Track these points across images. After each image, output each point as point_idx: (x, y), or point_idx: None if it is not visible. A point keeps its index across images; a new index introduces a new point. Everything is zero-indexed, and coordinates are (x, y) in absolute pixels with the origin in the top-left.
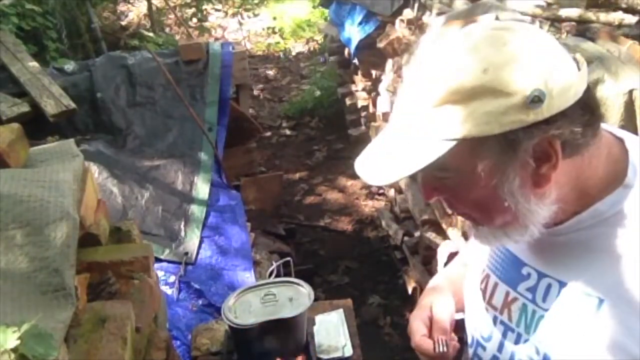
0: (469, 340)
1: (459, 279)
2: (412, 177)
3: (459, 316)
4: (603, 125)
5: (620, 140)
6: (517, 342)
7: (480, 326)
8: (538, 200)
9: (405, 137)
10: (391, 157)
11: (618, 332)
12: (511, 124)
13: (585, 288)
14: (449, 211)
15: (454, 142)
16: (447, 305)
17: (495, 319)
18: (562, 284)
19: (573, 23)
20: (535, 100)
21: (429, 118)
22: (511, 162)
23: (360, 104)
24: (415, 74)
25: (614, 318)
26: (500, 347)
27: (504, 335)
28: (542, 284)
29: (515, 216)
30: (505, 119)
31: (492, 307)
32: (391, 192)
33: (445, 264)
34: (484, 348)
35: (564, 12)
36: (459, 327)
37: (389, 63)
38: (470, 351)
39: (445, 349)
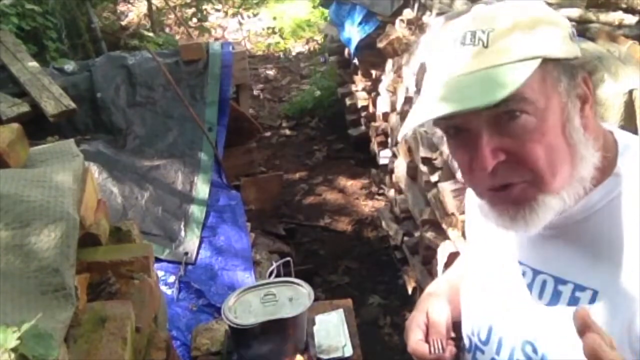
0: (467, 345)
1: (459, 283)
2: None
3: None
4: None
5: (610, 132)
6: (514, 342)
7: (478, 330)
8: (589, 142)
9: (485, 68)
10: (475, 88)
11: (613, 325)
12: (571, 52)
13: (579, 281)
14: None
15: (538, 62)
16: (443, 309)
17: (492, 322)
18: (557, 280)
19: (573, 23)
20: (573, 35)
21: (502, 47)
22: (573, 94)
23: (360, 104)
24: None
25: (608, 310)
26: (499, 349)
27: (502, 336)
28: (537, 281)
29: (573, 165)
30: (567, 47)
31: (488, 310)
32: (391, 193)
33: (445, 264)
34: (482, 352)
35: (564, 12)
36: (456, 331)
37: (389, 63)
38: (469, 356)
39: (440, 351)
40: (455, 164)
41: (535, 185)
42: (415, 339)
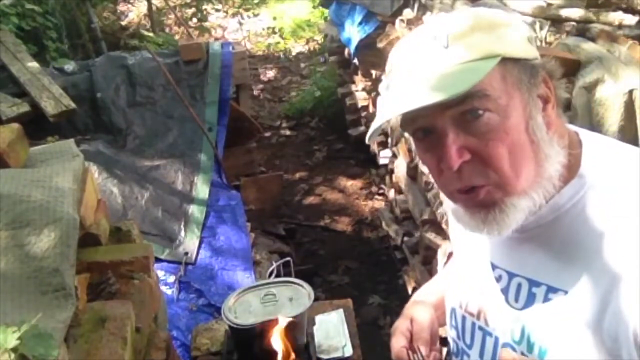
0: (454, 349)
1: (445, 290)
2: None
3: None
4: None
5: (576, 133)
6: (495, 345)
7: (463, 334)
8: (553, 140)
9: (445, 67)
10: (436, 85)
11: (584, 324)
12: (530, 53)
13: (551, 282)
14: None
15: (498, 59)
16: (427, 315)
17: (473, 326)
18: (530, 282)
19: (573, 23)
20: (532, 39)
21: (461, 46)
22: (534, 93)
23: (360, 104)
24: (427, 34)
25: (579, 310)
26: (482, 353)
27: (484, 340)
28: (512, 284)
29: (538, 164)
30: (526, 48)
31: (469, 314)
32: (391, 193)
33: (445, 264)
34: (468, 355)
35: (564, 12)
36: (442, 337)
37: None
38: None
39: (420, 358)
40: (426, 169)
41: (500, 187)
42: (398, 346)
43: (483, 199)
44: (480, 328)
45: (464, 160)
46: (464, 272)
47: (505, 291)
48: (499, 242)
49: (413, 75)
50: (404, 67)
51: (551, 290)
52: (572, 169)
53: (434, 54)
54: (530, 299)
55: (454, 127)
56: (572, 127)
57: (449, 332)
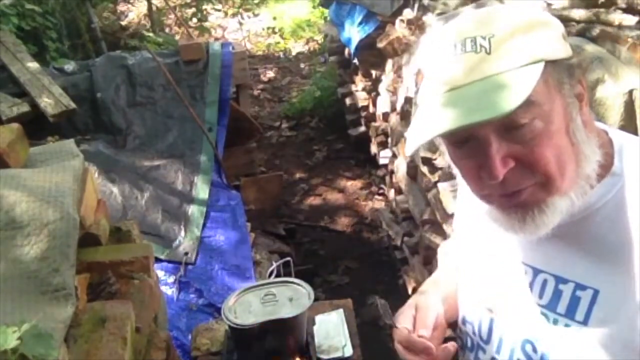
0: (469, 344)
1: (451, 282)
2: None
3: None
4: None
5: (605, 132)
6: (514, 342)
7: (479, 329)
8: (591, 140)
9: (491, 75)
10: (487, 97)
11: (616, 323)
12: (567, 52)
13: (580, 280)
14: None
15: (542, 65)
16: (431, 302)
17: (491, 322)
18: (557, 279)
19: (574, 23)
20: (565, 34)
21: (505, 52)
22: (573, 93)
23: (360, 104)
24: (456, 37)
25: (610, 309)
26: (499, 348)
27: (502, 336)
28: (538, 280)
29: (578, 165)
30: (563, 47)
31: (487, 310)
32: (391, 193)
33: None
34: (484, 351)
35: (565, 13)
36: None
37: (389, 63)
38: (472, 355)
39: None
40: (457, 171)
41: (545, 187)
42: (401, 332)
43: (525, 199)
44: (499, 324)
45: (509, 168)
46: (483, 265)
47: (529, 287)
48: (524, 238)
49: (458, 84)
50: (444, 73)
51: (579, 287)
52: (604, 168)
53: (478, 60)
54: (556, 296)
55: (496, 136)
56: (600, 125)
57: (462, 328)
